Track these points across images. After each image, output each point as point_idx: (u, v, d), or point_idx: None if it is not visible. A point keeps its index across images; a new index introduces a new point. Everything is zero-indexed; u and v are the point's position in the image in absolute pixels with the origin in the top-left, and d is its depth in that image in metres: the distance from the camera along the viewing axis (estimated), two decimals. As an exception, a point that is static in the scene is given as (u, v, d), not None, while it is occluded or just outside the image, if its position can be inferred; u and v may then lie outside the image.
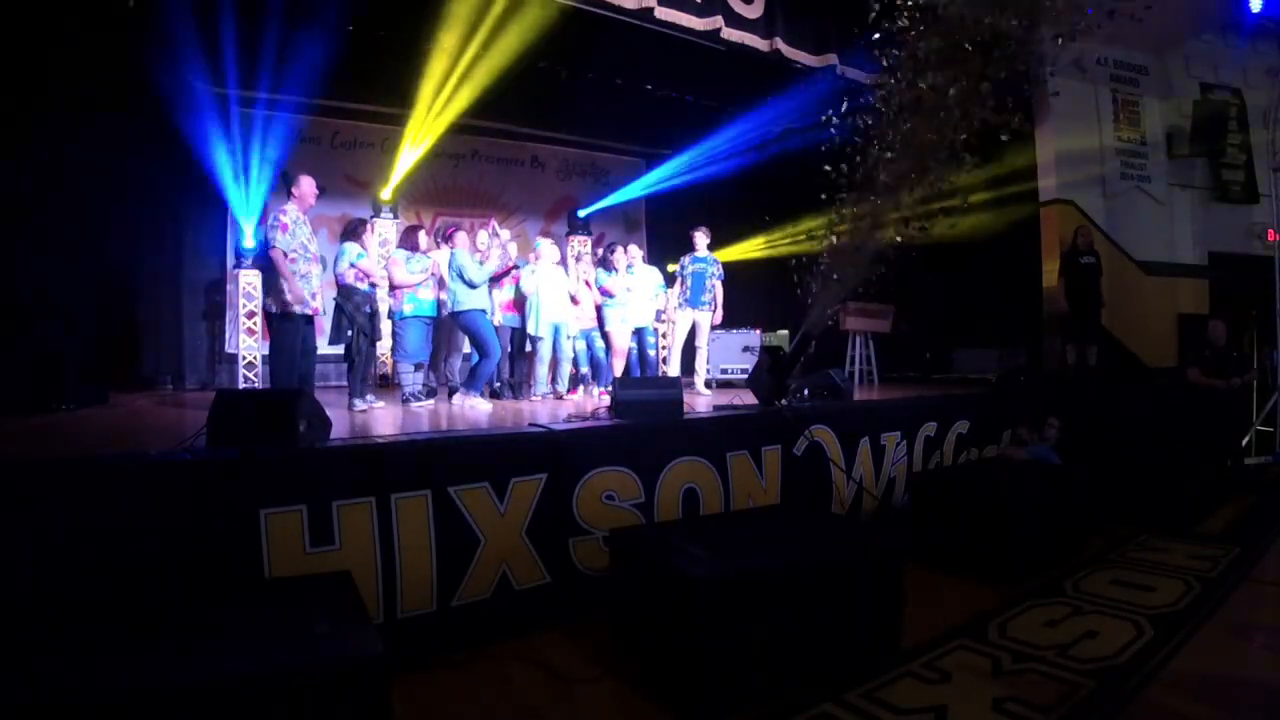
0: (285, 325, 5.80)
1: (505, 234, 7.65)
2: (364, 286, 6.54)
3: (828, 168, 5.94)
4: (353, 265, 6.44)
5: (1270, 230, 9.17)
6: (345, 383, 6.88)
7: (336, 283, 6.52)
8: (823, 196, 6.02)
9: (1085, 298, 8.56)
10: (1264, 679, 3.50)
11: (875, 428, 6.13)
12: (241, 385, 8.94)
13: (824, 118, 6.70)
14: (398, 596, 3.57)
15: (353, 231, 6.66)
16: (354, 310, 6.37)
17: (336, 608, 2.58)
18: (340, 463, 3.61)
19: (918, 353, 11.47)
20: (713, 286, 8.30)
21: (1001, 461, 6.21)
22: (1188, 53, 9.46)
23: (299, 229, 5.82)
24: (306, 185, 6.03)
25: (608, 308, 8.03)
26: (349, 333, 6.44)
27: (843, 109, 6.55)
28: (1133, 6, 6.06)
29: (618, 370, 8.05)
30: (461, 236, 7.27)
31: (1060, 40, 5.81)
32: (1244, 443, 8.35)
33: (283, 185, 9.11)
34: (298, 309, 5.78)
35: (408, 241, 7.22)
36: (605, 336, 8.12)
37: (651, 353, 8.66)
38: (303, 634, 2.35)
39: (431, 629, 3.64)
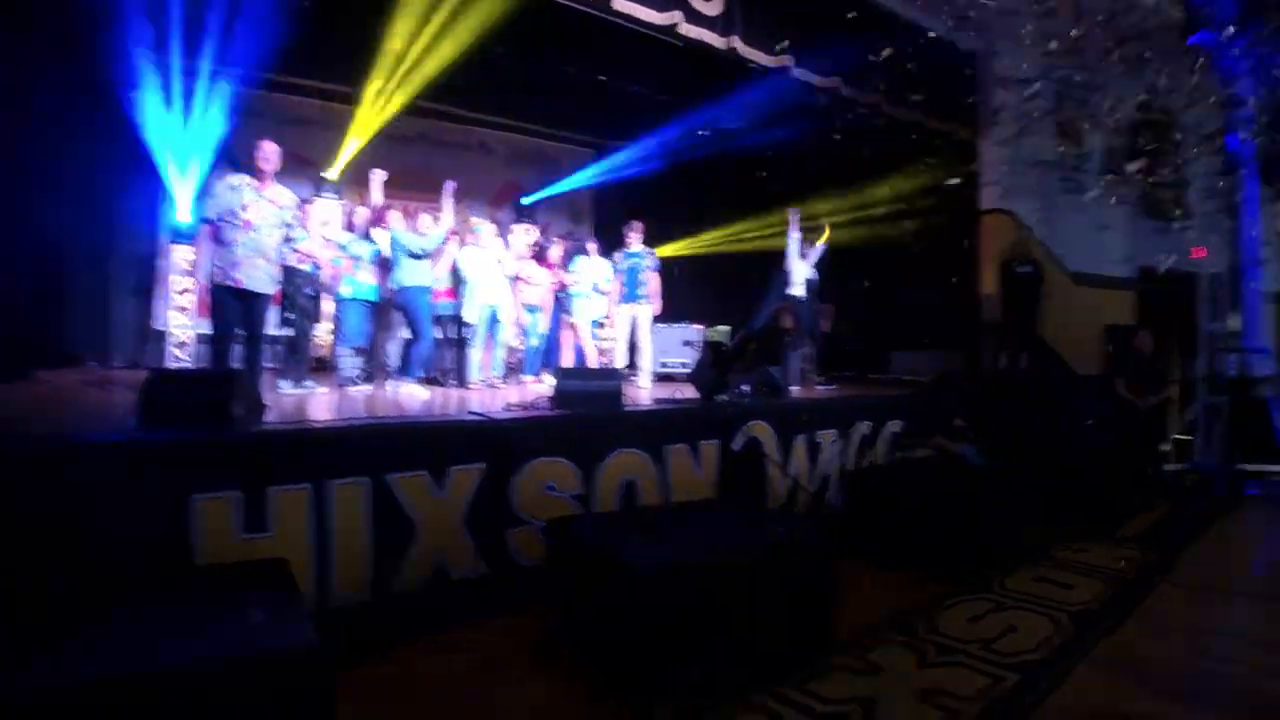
0: (215, 300, 5.42)
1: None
2: (306, 268, 6.46)
3: None
4: (295, 248, 6.31)
5: (1197, 248, 9.53)
6: (277, 365, 6.72)
7: (281, 263, 6.34)
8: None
9: (1020, 306, 8.81)
10: (1178, 671, 3.68)
11: (811, 425, 6.22)
12: (170, 365, 8.68)
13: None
14: (332, 585, 3.53)
15: None
16: (294, 292, 6.30)
17: (273, 596, 2.53)
18: (277, 448, 3.56)
19: (855, 353, 11.64)
20: (647, 280, 8.30)
21: (933, 460, 6.36)
22: (1130, 73, 9.76)
23: (231, 195, 5.37)
24: (269, 148, 5.57)
25: (576, 298, 8.05)
26: (291, 315, 6.37)
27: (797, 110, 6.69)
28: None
29: (567, 362, 8.05)
30: (395, 215, 7.15)
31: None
32: (1163, 450, 8.66)
33: (226, 161, 8.88)
34: (218, 280, 5.34)
35: (349, 223, 7.15)
36: (571, 327, 8.15)
37: (600, 344, 8.72)
38: (239, 624, 2.30)
39: (366, 619, 3.60)
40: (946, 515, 5.03)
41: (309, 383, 6.55)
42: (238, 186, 5.41)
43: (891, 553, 5.13)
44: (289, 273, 6.36)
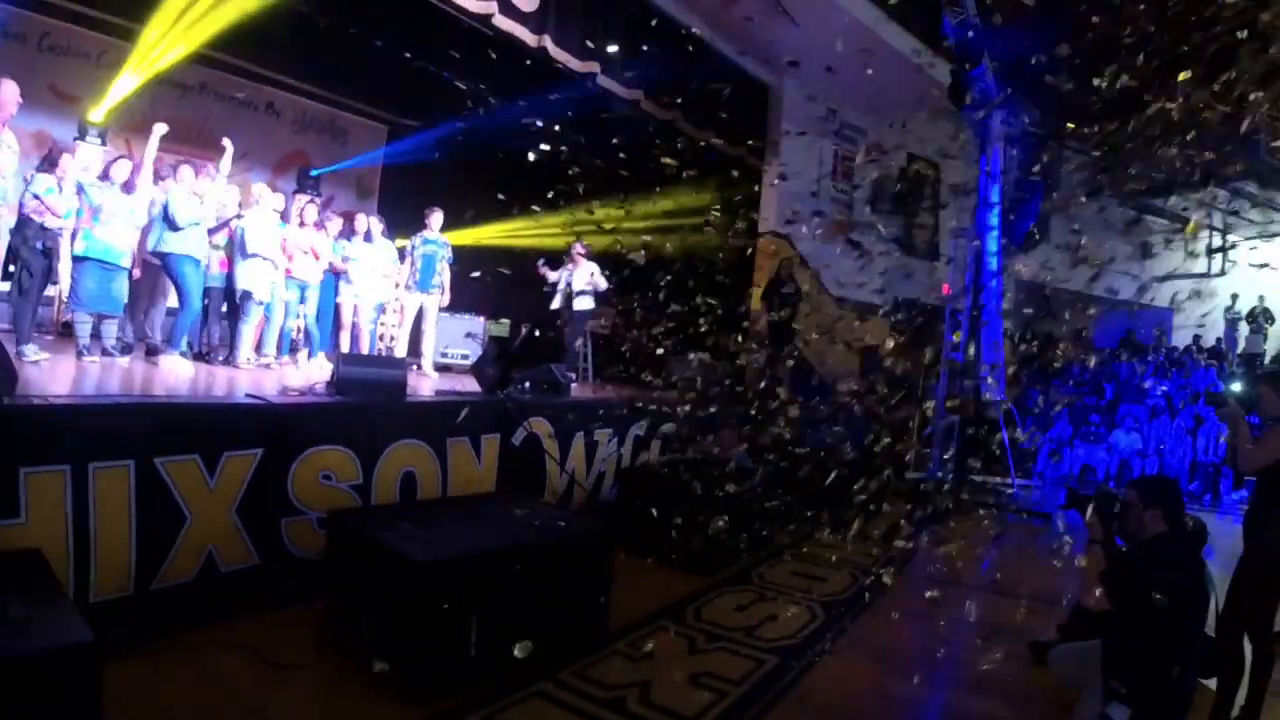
0: None
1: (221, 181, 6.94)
2: (46, 222, 5.73)
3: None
4: (37, 197, 5.59)
5: (945, 284, 10.76)
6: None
7: (19, 210, 5.62)
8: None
9: (782, 322, 9.60)
10: (913, 648, 4.38)
11: (590, 423, 6.50)
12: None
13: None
14: (91, 578, 3.29)
15: (51, 160, 5.90)
16: (20, 244, 5.56)
17: (30, 589, 2.36)
18: (30, 424, 3.25)
19: (632, 354, 12.01)
20: (443, 270, 8.21)
21: (703, 461, 6.78)
22: (903, 125, 10.92)
23: None
24: (8, 92, 5.02)
25: (342, 279, 7.72)
26: (11, 269, 5.64)
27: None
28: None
29: (344, 346, 7.73)
30: (186, 172, 6.56)
31: None
32: (907, 458, 9.70)
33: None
34: None
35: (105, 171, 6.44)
36: (335, 308, 7.77)
37: (379, 329, 8.48)
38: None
39: (129, 614, 3.38)
40: (714, 513, 5.42)
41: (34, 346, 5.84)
42: None
43: (663, 546, 5.47)
44: (23, 222, 5.57)
